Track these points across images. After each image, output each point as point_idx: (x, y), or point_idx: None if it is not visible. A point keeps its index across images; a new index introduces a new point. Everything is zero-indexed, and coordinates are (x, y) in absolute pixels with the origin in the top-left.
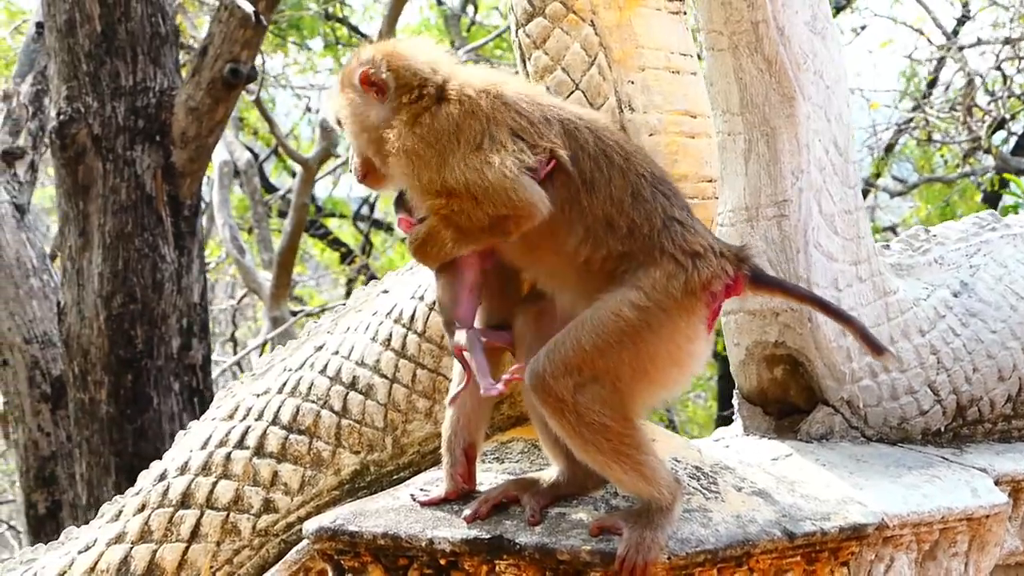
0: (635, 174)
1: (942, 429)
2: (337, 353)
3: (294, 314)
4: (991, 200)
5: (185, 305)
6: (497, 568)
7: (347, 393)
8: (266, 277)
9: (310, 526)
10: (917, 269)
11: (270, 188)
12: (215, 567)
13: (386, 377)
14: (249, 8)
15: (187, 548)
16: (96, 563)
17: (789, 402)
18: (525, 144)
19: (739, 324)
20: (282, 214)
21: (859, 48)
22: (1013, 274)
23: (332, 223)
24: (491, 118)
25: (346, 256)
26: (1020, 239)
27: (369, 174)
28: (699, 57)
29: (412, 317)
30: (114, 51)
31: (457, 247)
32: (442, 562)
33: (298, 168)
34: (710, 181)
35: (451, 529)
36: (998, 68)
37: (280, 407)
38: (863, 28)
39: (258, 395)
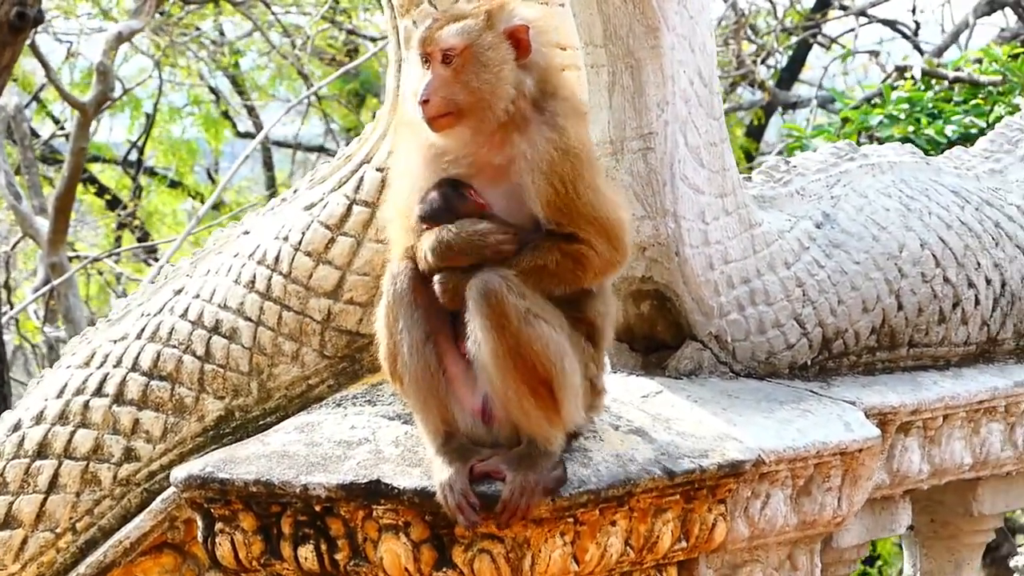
0: None
1: (808, 363)
2: (198, 296)
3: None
4: (755, 134)
5: None
6: (375, 514)
7: (210, 337)
8: (42, 223)
9: (178, 474)
10: (779, 200)
11: (33, 134)
12: (75, 518)
13: (251, 320)
14: None
15: (45, 499)
16: None
17: (656, 338)
18: None
19: None
20: (45, 160)
21: None
22: (873, 204)
23: (95, 168)
24: None
25: (113, 203)
26: (878, 168)
27: (447, 117)
28: None
29: (277, 258)
30: None
31: (554, 284)
32: (317, 508)
33: (65, 114)
34: None
35: (326, 475)
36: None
37: (140, 353)
38: None
39: (115, 341)
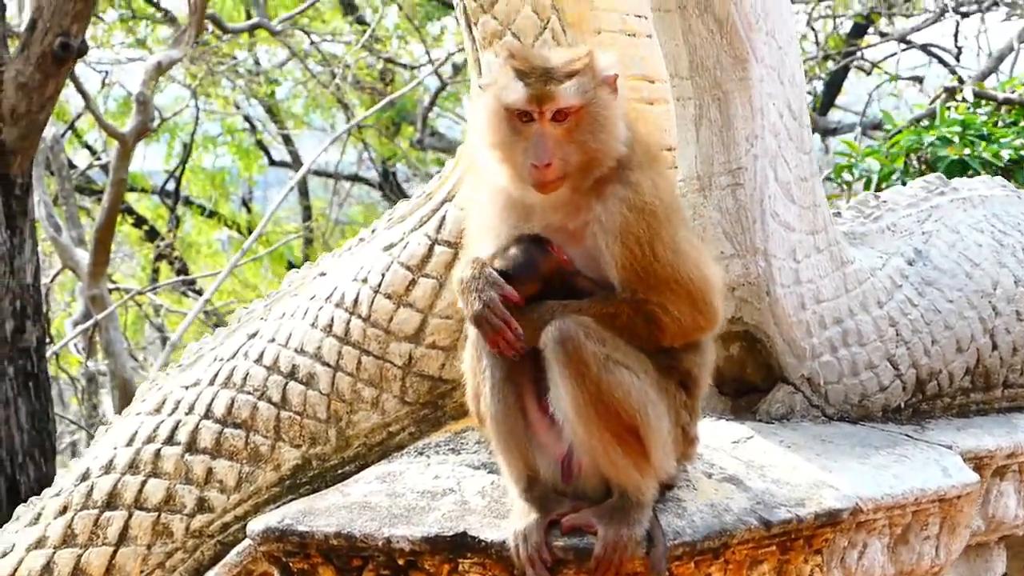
0: None
1: (902, 405)
2: (273, 341)
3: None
4: None
5: (18, 287)
6: (460, 567)
7: (286, 383)
8: (82, 255)
9: (255, 527)
10: (870, 237)
11: (69, 164)
12: (146, 571)
13: (329, 365)
14: None
15: (115, 552)
16: (15, 571)
17: (745, 381)
18: None
19: None
20: (80, 190)
21: None
22: (966, 240)
23: (131, 197)
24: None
25: (150, 233)
26: (969, 203)
27: (559, 180)
28: None
29: (355, 301)
30: None
31: (624, 339)
32: (400, 562)
33: (99, 143)
34: (669, 150)
35: (410, 527)
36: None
37: (213, 399)
38: None
39: (187, 387)
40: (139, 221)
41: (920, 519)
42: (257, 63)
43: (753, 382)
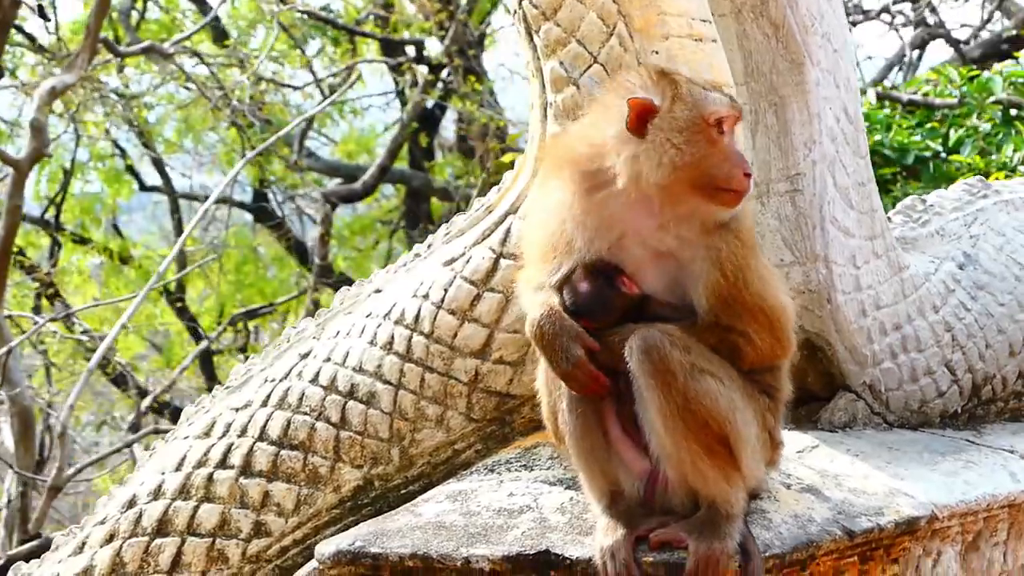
0: None
1: (959, 411)
2: (329, 360)
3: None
4: None
5: None
6: None
7: (345, 402)
8: None
9: (324, 549)
10: (921, 242)
11: None
12: None
13: (390, 383)
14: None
15: None
16: None
17: (806, 389)
18: None
19: None
20: None
21: None
22: (1013, 243)
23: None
24: None
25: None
26: (1012, 205)
27: None
28: None
29: (417, 317)
30: None
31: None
32: None
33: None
34: None
35: (489, 546)
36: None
37: (267, 421)
38: None
39: (237, 409)
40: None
41: (990, 525)
42: (127, 87)
43: (813, 391)
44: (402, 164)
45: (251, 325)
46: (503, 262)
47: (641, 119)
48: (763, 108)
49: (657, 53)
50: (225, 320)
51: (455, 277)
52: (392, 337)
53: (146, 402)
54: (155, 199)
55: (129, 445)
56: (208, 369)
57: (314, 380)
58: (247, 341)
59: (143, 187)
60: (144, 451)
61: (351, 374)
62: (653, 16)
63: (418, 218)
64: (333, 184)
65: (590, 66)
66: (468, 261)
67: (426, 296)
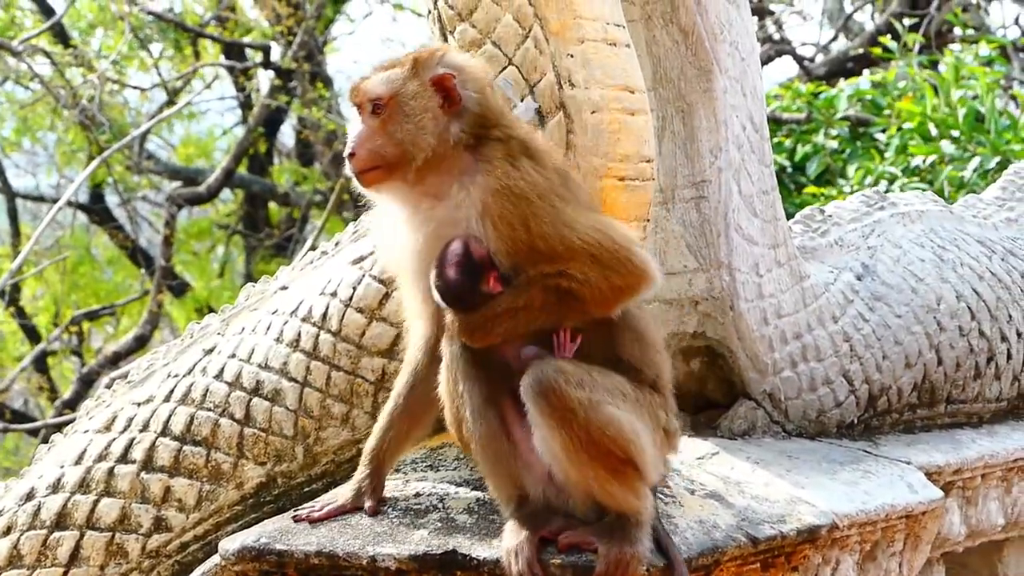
0: None
1: (855, 421)
2: (234, 356)
3: None
4: None
5: None
6: None
7: (250, 399)
8: None
9: (228, 545)
10: (820, 251)
11: None
12: None
13: (296, 381)
14: None
15: (66, 573)
16: None
17: (705, 396)
18: None
19: (655, 315)
20: None
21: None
22: (909, 255)
23: None
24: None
25: None
26: (908, 217)
27: (376, 171)
28: None
29: (324, 315)
30: None
31: (553, 320)
32: None
33: None
34: (649, 161)
35: (396, 545)
36: None
37: (170, 416)
38: None
39: (139, 404)
40: None
41: (888, 535)
42: None
43: (713, 398)
44: (241, 169)
45: (85, 328)
46: None
47: None
48: (671, 114)
49: (572, 56)
50: (64, 321)
51: (364, 275)
52: (299, 334)
53: None
54: None
55: None
56: (42, 369)
57: (218, 376)
58: (81, 342)
59: None
60: (42, 444)
61: (256, 371)
62: (569, 20)
63: (256, 223)
64: (172, 188)
65: (505, 67)
66: (377, 260)
67: (334, 294)
